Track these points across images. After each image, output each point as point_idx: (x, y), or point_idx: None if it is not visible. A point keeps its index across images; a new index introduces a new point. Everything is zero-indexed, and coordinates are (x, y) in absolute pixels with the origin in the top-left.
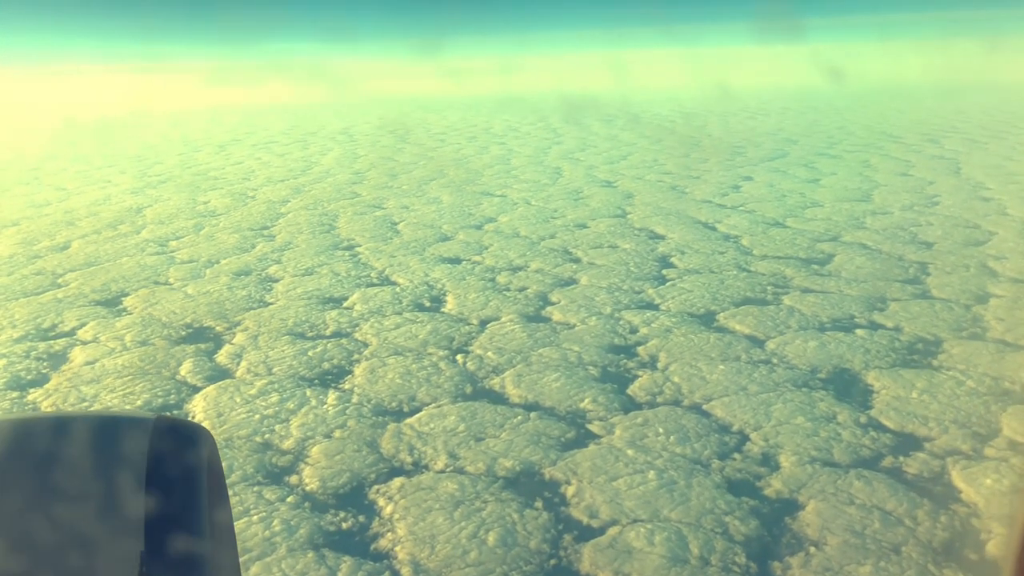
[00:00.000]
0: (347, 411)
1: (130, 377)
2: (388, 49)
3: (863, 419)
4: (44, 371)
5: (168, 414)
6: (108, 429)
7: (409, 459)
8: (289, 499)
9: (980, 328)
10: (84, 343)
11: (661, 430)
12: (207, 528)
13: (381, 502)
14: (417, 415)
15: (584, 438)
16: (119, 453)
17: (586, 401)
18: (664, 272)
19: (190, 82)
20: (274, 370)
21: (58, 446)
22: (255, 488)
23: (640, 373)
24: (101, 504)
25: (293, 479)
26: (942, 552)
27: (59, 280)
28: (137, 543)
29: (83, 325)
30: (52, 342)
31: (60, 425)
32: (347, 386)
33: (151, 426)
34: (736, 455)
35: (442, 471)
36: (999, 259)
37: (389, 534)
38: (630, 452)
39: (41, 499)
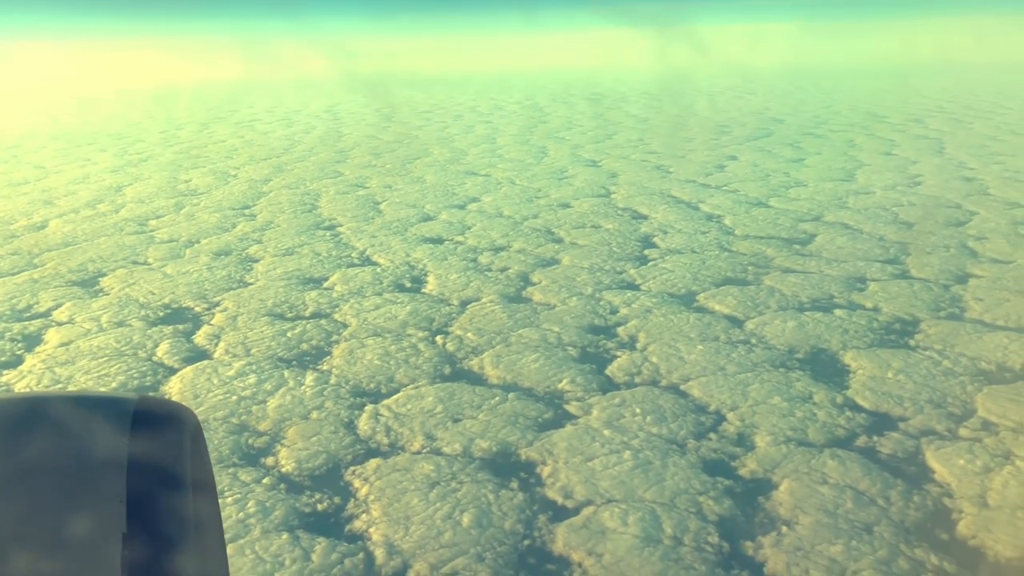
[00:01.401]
0: (325, 392)
1: (105, 359)
2: (375, 26)
3: (839, 399)
4: (18, 352)
5: (151, 394)
6: (90, 409)
7: (386, 440)
8: (264, 480)
9: (958, 308)
10: (59, 324)
11: (638, 410)
12: (191, 509)
13: (357, 483)
14: (395, 396)
15: (561, 418)
16: (101, 433)
17: (564, 382)
18: (646, 252)
19: (174, 59)
20: (252, 351)
21: (38, 427)
22: (230, 470)
23: (619, 353)
24: (82, 485)
25: (269, 460)
26: (914, 532)
27: (35, 260)
28: (119, 524)
29: (59, 306)
30: (27, 323)
31: (41, 405)
32: (325, 367)
33: (133, 406)
34: (712, 435)
35: (418, 452)
36: (980, 239)
37: (364, 515)
38: (607, 432)
39: (20, 480)
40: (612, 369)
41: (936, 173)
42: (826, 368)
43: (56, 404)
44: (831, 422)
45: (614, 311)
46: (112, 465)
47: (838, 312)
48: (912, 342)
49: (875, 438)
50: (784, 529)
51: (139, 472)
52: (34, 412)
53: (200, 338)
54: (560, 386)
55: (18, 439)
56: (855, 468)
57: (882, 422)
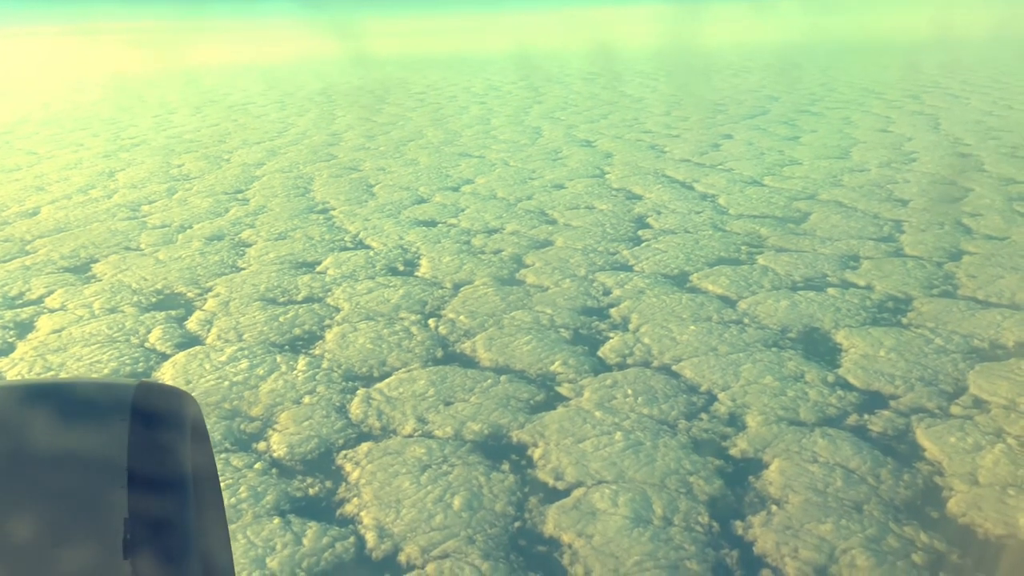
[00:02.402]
0: (317, 377)
1: (97, 345)
2: (370, 6)
3: (830, 378)
4: (10, 340)
5: (150, 380)
6: (88, 396)
7: (377, 424)
8: (256, 466)
9: (951, 285)
10: (51, 311)
11: (630, 391)
12: (193, 494)
13: (348, 467)
14: (387, 380)
15: (553, 400)
16: (100, 419)
17: (556, 364)
18: (640, 233)
19: (167, 42)
20: (244, 336)
21: (36, 414)
22: (222, 455)
23: (611, 335)
24: (82, 471)
25: (261, 446)
26: (904, 510)
27: (27, 247)
28: (121, 510)
29: (51, 293)
30: (19, 311)
31: (39, 392)
32: (317, 352)
33: (132, 392)
34: (703, 415)
35: (410, 435)
36: (974, 216)
37: (355, 499)
38: (598, 414)
39: (20, 468)
40: (604, 350)
41: (931, 150)
42: (818, 347)
43: (54, 391)
44: (822, 401)
45: (607, 292)
46: (112, 452)
47: (831, 291)
48: (904, 320)
49: (866, 416)
50: (774, 508)
51: (140, 458)
52: (32, 400)
53: (192, 324)
54: (552, 368)
55: (16, 427)
56: (845, 447)
57: (873, 400)
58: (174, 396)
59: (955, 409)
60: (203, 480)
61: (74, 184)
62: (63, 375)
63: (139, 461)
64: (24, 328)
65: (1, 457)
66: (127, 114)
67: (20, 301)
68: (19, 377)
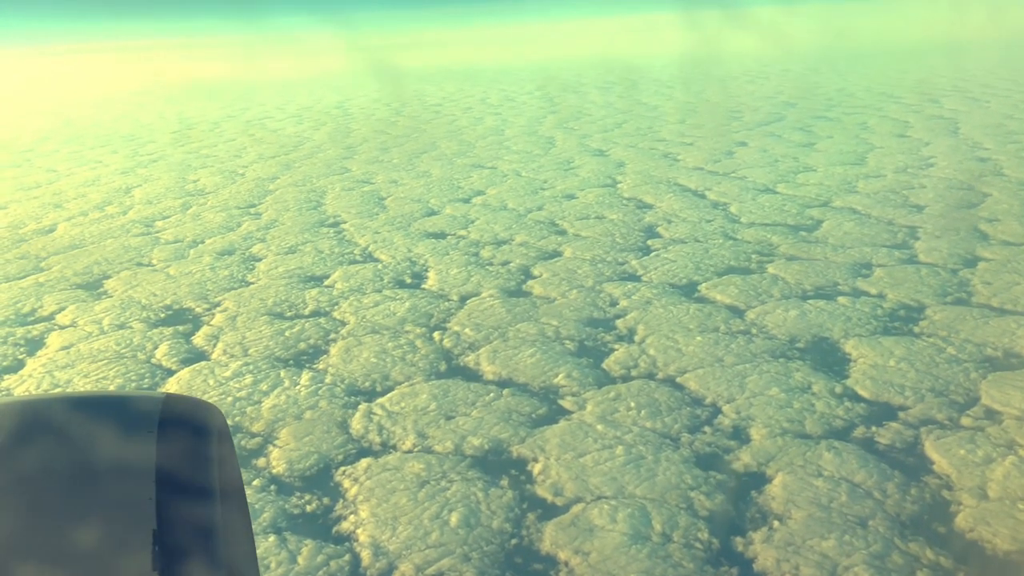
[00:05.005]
0: (319, 391)
1: (105, 362)
2: (386, 19)
3: (838, 389)
4: (20, 357)
5: (177, 392)
6: (118, 408)
7: (378, 439)
8: (255, 482)
9: (966, 293)
10: (62, 328)
11: (633, 404)
12: (219, 502)
13: (346, 484)
14: (389, 394)
15: (555, 414)
16: (130, 431)
17: (560, 376)
18: (649, 242)
19: (187, 58)
20: (250, 351)
21: (69, 426)
22: None
23: (617, 347)
24: (113, 482)
25: (260, 462)
26: (910, 525)
27: (42, 264)
28: (150, 520)
29: (62, 309)
30: (30, 327)
31: (71, 405)
32: (321, 366)
33: (160, 404)
34: (706, 428)
35: (409, 451)
36: (991, 221)
37: (352, 516)
38: (600, 428)
39: (53, 478)
40: (609, 363)
41: (949, 154)
42: (827, 357)
43: (87, 403)
44: (829, 413)
45: (614, 303)
46: (141, 463)
47: (841, 300)
48: (916, 329)
49: (874, 429)
50: (776, 524)
51: (168, 469)
52: (66, 412)
53: (199, 339)
54: (556, 381)
55: (51, 438)
56: (851, 460)
57: (881, 412)
58: (200, 407)
59: (966, 420)
60: (229, 488)
61: (91, 201)
62: (70, 392)
63: (167, 472)
64: (35, 345)
65: (34, 466)
66: (146, 130)
67: (32, 318)
68: (27, 393)
